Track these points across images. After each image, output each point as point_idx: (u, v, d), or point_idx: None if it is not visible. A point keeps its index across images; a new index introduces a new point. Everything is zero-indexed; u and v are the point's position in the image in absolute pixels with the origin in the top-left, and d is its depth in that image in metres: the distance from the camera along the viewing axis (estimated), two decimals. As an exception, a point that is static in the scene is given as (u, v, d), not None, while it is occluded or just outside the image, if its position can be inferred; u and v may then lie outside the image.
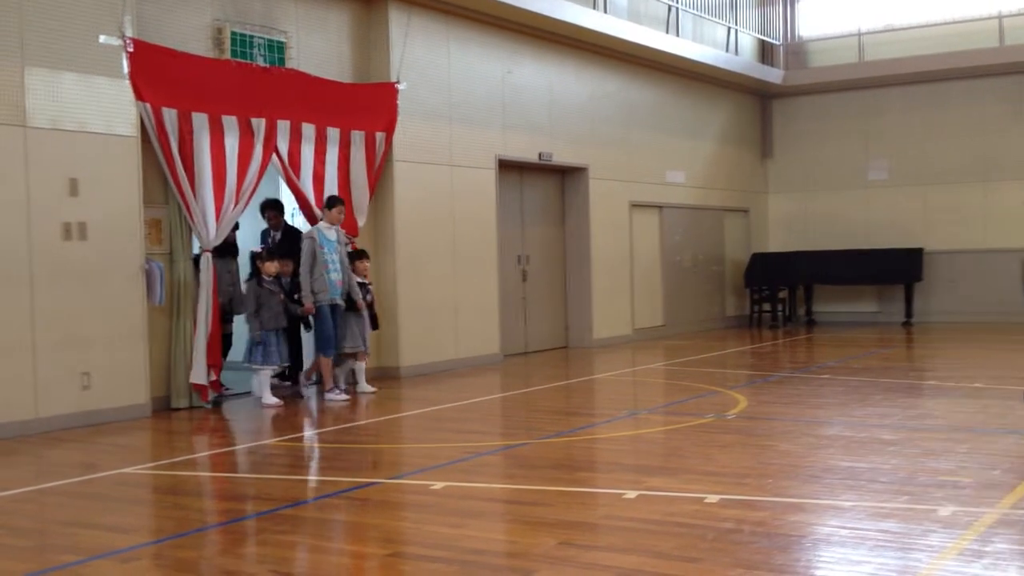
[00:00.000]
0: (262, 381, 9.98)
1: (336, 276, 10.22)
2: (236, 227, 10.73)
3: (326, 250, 10.17)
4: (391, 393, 10.73)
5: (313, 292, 10.07)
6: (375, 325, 10.89)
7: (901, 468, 6.37)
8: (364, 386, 10.61)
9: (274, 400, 9.87)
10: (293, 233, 11.42)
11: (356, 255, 10.77)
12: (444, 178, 12.76)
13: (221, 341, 10.07)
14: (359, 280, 10.61)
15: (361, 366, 10.67)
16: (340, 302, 10.29)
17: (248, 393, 10.55)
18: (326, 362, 10.25)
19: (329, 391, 10.17)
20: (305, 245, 10.19)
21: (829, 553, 4.72)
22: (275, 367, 10.10)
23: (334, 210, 10.35)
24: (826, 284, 19.09)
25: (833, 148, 19.52)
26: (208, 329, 9.74)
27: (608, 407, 10.03)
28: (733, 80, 18.65)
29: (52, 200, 8.71)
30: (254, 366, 9.98)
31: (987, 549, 4.60)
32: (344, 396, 10.15)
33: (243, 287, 10.79)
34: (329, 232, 10.30)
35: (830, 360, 12.93)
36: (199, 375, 9.70)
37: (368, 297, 10.71)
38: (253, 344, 9.91)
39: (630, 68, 16.29)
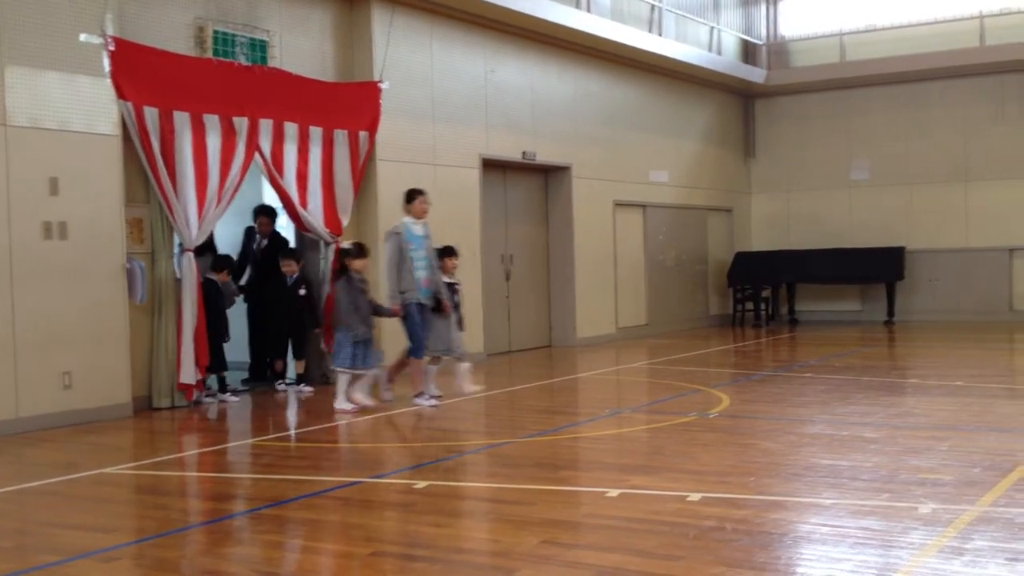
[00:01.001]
0: (339, 386, 9.35)
1: (423, 274, 9.37)
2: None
3: (413, 246, 9.32)
4: (374, 393, 10.68)
5: (400, 291, 9.29)
6: (462, 326, 10.11)
7: (882, 466, 6.40)
8: (468, 387, 9.86)
9: (349, 406, 9.21)
10: (280, 240, 11.53)
11: (444, 252, 9.86)
12: (427, 177, 12.73)
13: (207, 340, 9.96)
14: (446, 280, 9.78)
15: (462, 368, 9.92)
16: (427, 302, 9.43)
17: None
18: (416, 365, 9.49)
19: (417, 396, 9.43)
20: (390, 241, 9.37)
21: (810, 550, 4.73)
22: (367, 370, 9.34)
23: (416, 202, 9.45)
24: (809, 283, 19.16)
25: (816, 148, 19.60)
26: (194, 328, 9.69)
27: (591, 406, 10.04)
28: (716, 80, 18.69)
29: (32, 199, 8.65)
30: (339, 369, 9.33)
31: (967, 546, 4.62)
32: (433, 402, 9.40)
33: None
34: (416, 227, 9.42)
35: (812, 359, 12.98)
36: (188, 374, 9.67)
37: (456, 297, 9.93)
38: (341, 347, 9.25)
39: (613, 67, 16.31)
